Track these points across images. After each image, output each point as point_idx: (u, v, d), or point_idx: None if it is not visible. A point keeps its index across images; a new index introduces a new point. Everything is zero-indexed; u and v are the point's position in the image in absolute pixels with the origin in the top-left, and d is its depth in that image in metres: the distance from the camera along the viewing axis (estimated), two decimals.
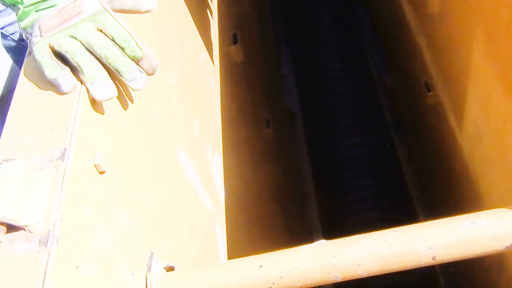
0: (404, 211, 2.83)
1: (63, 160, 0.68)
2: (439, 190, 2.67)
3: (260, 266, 0.80)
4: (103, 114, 0.79)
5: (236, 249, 1.36)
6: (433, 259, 0.75)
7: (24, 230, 0.63)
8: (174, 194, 1.06)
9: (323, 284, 0.80)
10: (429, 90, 2.27)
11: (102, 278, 0.70)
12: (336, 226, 2.83)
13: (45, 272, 0.59)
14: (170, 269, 0.87)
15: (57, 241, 0.62)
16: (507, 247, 0.73)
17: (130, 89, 0.84)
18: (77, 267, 0.64)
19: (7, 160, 0.66)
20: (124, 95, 0.87)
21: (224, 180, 1.43)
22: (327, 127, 3.18)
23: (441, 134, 2.26)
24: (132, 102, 0.90)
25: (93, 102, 0.76)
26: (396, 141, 3.22)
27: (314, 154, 3.23)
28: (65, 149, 0.69)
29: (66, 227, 0.64)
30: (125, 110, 0.87)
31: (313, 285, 0.80)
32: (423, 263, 0.75)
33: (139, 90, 0.78)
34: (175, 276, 0.84)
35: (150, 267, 0.84)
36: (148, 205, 0.91)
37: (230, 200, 1.43)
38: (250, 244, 1.58)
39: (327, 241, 0.81)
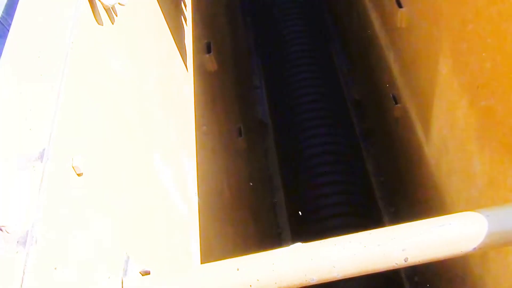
0: (372, 219, 2.89)
1: (41, 161, 0.68)
2: (405, 200, 2.74)
3: (237, 269, 0.81)
4: (81, 116, 0.79)
5: (209, 256, 1.36)
6: (405, 261, 0.77)
7: (1, 230, 0.62)
8: (151, 199, 1.06)
9: (300, 286, 0.81)
10: (396, 103, 2.34)
11: (79, 280, 0.69)
12: (306, 234, 2.86)
13: (24, 272, 0.58)
14: (146, 273, 0.87)
15: (36, 241, 0.61)
16: (475, 248, 0.76)
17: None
18: (55, 268, 0.64)
19: None
20: (103, 97, 0.87)
21: (198, 187, 1.44)
22: (296, 136, 3.22)
23: (408, 145, 2.33)
24: (111, 104, 0.90)
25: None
26: (364, 152, 3.29)
27: (284, 162, 3.27)
28: (43, 150, 0.69)
29: (44, 228, 0.63)
30: (104, 111, 0.87)
31: (291, 287, 0.82)
32: (395, 264, 0.78)
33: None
34: (151, 280, 0.84)
35: (126, 271, 0.83)
36: (125, 209, 0.90)
37: (204, 207, 1.43)
38: (223, 250, 1.58)
39: (303, 244, 0.83)
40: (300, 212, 2.89)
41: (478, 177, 1.46)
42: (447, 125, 1.74)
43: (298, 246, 0.82)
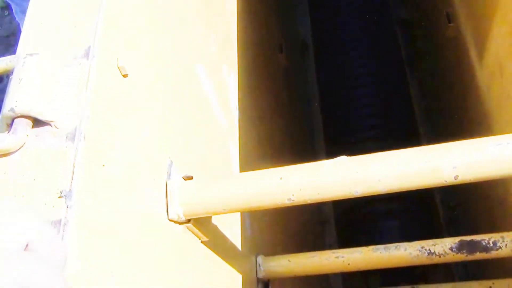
0: (411, 145, 2.84)
1: (87, 59, 0.66)
2: (449, 127, 2.66)
3: (281, 178, 0.80)
4: (126, 17, 0.76)
5: (248, 169, 1.37)
6: (455, 179, 0.75)
7: (50, 125, 0.62)
8: (194, 108, 1.05)
9: (342, 198, 0.80)
10: (450, 22, 2.19)
11: (126, 179, 0.71)
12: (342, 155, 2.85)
13: (73, 166, 0.59)
14: (188, 178, 0.88)
15: (84, 137, 0.61)
16: None
17: None
18: (103, 165, 0.65)
19: (31, 55, 0.64)
20: (149, 2, 0.84)
21: (239, 100, 1.42)
22: (338, 58, 3.11)
23: (458, 69, 2.22)
24: (156, 9, 0.86)
25: None
26: (409, 76, 3.17)
27: (324, 85, 3.19)
28: (89, 47, 0.67)
29: (92, 125, 0.63)
30: (149, 17, 0.84)
31: (331, 199, 0.81)
32: (445, 182, 0.75)
33: None
34: (194, 185, 0.85)
35: (170, 174, 0.85)
36: (169, 115, 0.90)
37: (243, 121, 1.42)
38: (260, 168, 1.59)
39: (349, 157, 0.81)
40: (337, 137, 2.86)
41: None
42: (505, 48, 1.62)
43: (344, 159, 0.80)
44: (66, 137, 0.61)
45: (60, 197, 0.57)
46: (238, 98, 1.42)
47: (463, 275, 2.77)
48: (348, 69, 2.99)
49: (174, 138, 0.92)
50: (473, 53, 1.90)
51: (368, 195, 0.79)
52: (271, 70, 2.16)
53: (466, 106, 2.14)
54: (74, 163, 0.59)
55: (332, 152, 2.96)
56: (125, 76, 0.73)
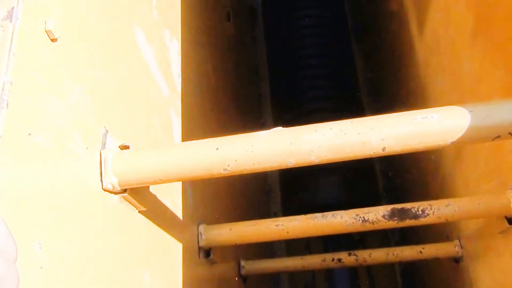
0: (355, 115, 2.92)
1: (10, 21, 0.63)
2: (391, 98, 2.75)
3: (217, 149, 0.81)
4: None
5: (190, 139, 1.36)
6: (383, 150, 0.78)
7: None
8: (131, 74, 1.02)
9: (277, 168, 0.82)
10: None
11: (55, 149, 0.69)
12: (289, 125, 2.89)
13: None
14: (125, 147, 0.86)
15: (7, 105, 0.59)
16: (453, 142, 0.76)
17: None
18: (29, 134, 0.62)
19: None
20: None
21: (182, 68, 1.40)
22: (287, 25, 3.11)
23: (400, 42, 2.28)
24: None
25: None
26: (355, 47, 3.22)
27: (272, 53, 3.19)
28: (12, 8, 0.63)
29: (16, 92, 0.61)
30: None
31: (266, 170, 0.83)
32: (373, 153, 0.78)
33: None
34: (130, 154, 0.84)
35: (104, 144, 0.83)
36: (103, 81, 0.87)
37: (187, 89, 1.40)
38: (204, 136, 1.59)
39: (284, 128, 0.82)
40: (284, 104, 2.89)
41: (465, 77, 1.44)
42: (443, 22, 1.68)
43: (278, 130, 0.82)
44: None
45: None
46: (181, 65, 1.40)
47: (398, 241, 2.92)
48: (296, 39, 3.01)
49: (110, 107, 0.89)
50: (413, 27, 1.96)
51: (302, 165, 0.81)
52: (218, 37, 2.13)
53: (406, 79, 2.21)
54: None
55: (279, 118, 3.00)
56: (53, 40, 0.70)
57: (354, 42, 3.24)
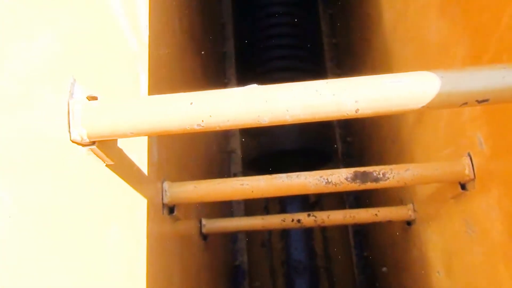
0: (317, 78, 2.94)
1: None
2: (354, 64, 2.77)
3: (191, 103, 0.80)
4: None
5: (157, 93, 1.33)
6: (356, 112, 0.79)
7: None
8: (99, 25, 0.98)
9: (250, 126, 0.82)
10: None
11: (22, 95, 0.66)
12: (251, 82, 2.88)
13: None
14: (93, 98, 0.84)
15: None
16: (423, 106, 0.79)
17: None
18: None
19: None
20: None
21: (149, 22, 1.35)
22: None
23: (366, 6, 2.28)
24: None
25: None
26: (321, 11, 3.21)
27: (237, 11, 3.13)
28: None
29: None
30: None
31: (240, 127, 0.83)
32: (346, 114, 0.80)
33: None
34: (100, 105, 0.81)
35: (72, 94, 0.80)
36: (71, 29, 0.83)
37: (154, 43, 1.36)
38: (171, 91, 1.56)
39: (260, 85, 0.82)
40: (248, 63, 2.87)
41: (431, 45, 1.47)
42: None
43: (254, 87, 0.81)
44: None
45: None
46: (149, 18, 1.35)
47: (353, 204, 3.03)
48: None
49: (78, 56, 0.86)
50: None
51: (276, 124, 0.82)
52: None
53: (372, 45, 2.23)
54: None
55: (242, 78, 2.98)
56: None
57: (320, 4, 3.22)
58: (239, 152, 3.09)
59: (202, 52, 2.30)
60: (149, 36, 1.31)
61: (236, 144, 3.09)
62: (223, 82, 3.03)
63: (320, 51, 3.05)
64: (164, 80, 1.52)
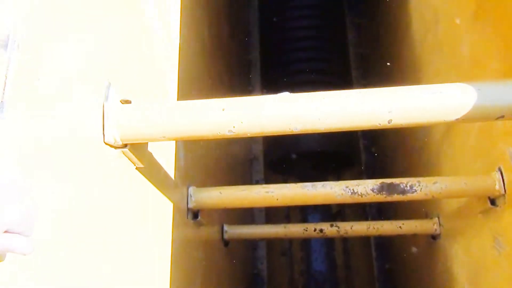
0: (342, 86, 2.93)
1: None
2: (381, 74, 2.75)
3: (223, 109, 0.80)
4: None
5: (186, 99, 1.35)
6: (389, 123, 0.78)
7: None
8: (133, 30, 1.00)
9: (281, 133, 0.82)
10: None
11: (61, 97, 0.67)
12: (276, 92, 2.89)
13: (6, 77, 0.55)
14: (126, 102, 0.85)
15: (18, 46, 0.57)
16: (458, 119, 0.77)
17: None
18: (38, 79, 0.60)
19: None
20: None
21: (180, 29, 1.37)
22: None
23: (396, 18, 2.27)
24: None
25: None
26: (348, 21, 3.20)
27: (264, 20, 3.15)
28: None
29: (26, 34, 0.58)
30: None
31: (271, 134, 0.83)
32: (378, 124, 0.79)
33: None
34: (133, 109, 0.82)
35: (107, 96, 0.81)
36: (107, 36, 0.84)
37: (184, 51, 1.38)
38: (199, 96, 1.57)
39: (292, 94, 0.82)
40: (273, 73, 2.88)
41: (462, 57, 1.45)
42: None
43: (287, 95, 0.81)
44: None
45: None
46: (180, 24, 1.37)
47: (375, 215, 2.99)
48: (288, 8, 2.97)
49: (113, 61, 0.87)
50: (412, 2, 1.95)
51: (307, 132, 0.81)
52: (213, 4, 2.09)
53: (400, 55, 2.21)
54: (6, 74, 0.55)
55: (267, 86, 2.99)
56: None
57: (348, 14, 3.21)
58: (261, 159, 3.09)
59: (229, 59, 2.31)
60: (179, 42, 1.33)
61: (258, 152, 3.10)
62: (247, 90, 3.04)
63: (346, 61, 3.04)
64: (192, 85, 1.53)
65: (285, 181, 3.07)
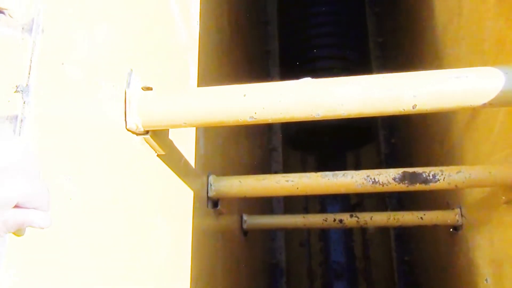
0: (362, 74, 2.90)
1: None
2: (401, 64, 2.71)
3: (244, 95, 0.79)
4: None
5: (206, 86, 1.34)
6: (413, 108, 0.77)
7: (3, 13, 0.57)
8: (154, 18, 0.99)
9: (303, 119, 0.81)
10: None
11: (85, 82, 0.67)
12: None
13: (31, 61, 0.55)
14: (148, 89, 0.85)
15: (42, 31, 0.57)
16: (485, 104, 0.75)
17: None
18: (62, 63, 0.61)
19: None
20: None
21: (200, 16, 1.36)
22: None
23: (417, 6, 2.23)
24: None
25: None
26: (368, 11, 3.16)
27: (282, 10, 3.13)
28: None
29: (50, 19, 0.58)
30: None
31: (293, 120, 0.82)
32: (403, 110, 0.78)
33: None
34: (155, 96, 0.83)
35: (129, 83, 0.81)
36: (128, 21, 0.85)
37: (204, 38, 1.37)
38: (218, 83, 1.57)
39: (314, 79, 0.81)
40: (292, 62, 2.86)
41: (487, 42, 1.42)
42: None
43: (308, 81, 0.80)
44: (23, 28, 0.56)
45: (16, 91, 0.53)
46: (200, 12, 1.36)
47: (395, 206, 2.96)
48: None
49: (135, 48, 0.87)
50: None
51: (329, 117, 0.80)
52: None
53: (421, 45, 2.17)
54: (31, 58, 0.55)
55: (286, 76, 2.97)
56: None
57: (368, 2, 3.17)
58: (280, 150, 3.09)
59: (248, 49, 2.30)
60: (200, 30, 1.33)
61: (277, 142, 3.09)
62: (266, 80, 3.03)
63: (365, 50, 3.01)
64: (212, 72, 1.53)
65: (303, 157, 3.06)
